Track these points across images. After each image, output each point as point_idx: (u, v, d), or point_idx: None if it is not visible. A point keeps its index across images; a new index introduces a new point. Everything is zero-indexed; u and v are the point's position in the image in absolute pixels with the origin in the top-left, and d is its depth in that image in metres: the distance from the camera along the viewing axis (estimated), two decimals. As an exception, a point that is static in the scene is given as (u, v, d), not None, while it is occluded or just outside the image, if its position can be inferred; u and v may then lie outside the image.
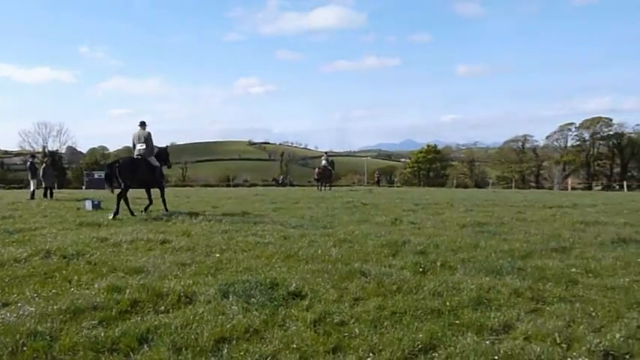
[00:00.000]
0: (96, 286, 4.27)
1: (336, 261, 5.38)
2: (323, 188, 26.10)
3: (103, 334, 3.15)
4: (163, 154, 11.42)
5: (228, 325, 3.33)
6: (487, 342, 3.04)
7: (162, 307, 3.74)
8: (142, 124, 10.91)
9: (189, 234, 7.42)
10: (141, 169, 10.44)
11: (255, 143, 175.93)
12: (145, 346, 3.00)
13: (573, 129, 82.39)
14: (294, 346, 2.99)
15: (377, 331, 3.23)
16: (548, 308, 3.74)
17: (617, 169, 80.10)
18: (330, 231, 7.84)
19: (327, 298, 3.95)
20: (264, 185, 53.60)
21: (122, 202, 10.04)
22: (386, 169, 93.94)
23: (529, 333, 3.19)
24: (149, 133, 10.86)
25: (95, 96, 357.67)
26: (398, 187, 58.71)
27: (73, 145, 75.93)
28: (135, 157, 10.73)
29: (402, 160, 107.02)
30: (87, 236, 7.02)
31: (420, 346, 2.95)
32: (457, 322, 3.40)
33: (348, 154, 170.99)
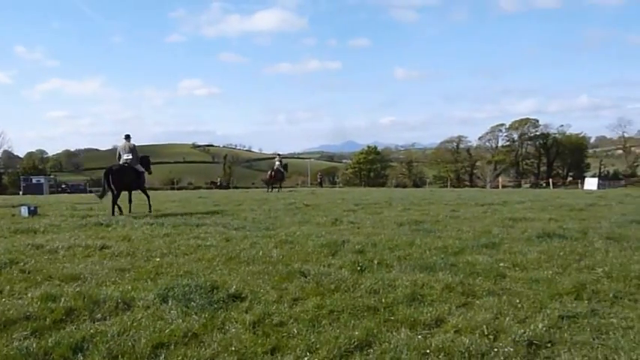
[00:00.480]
0: (29, 295, 4.07)
1: (277, 262, 5.41)
2: (272, 190, 26.55)
3: (35, 345, 3.00)
4: (145, 161, 12.82)
5: (166, 331, 3.27)
6: (420, 336, 3.17)
7: (99, 315, 3.62)
8: (127, 137, 12.32)
9: (130, 239, 7.20)
10: (128, 175, 11.79)
11: (199, 146, 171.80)
12: (80, 356, 2.90)
13: (503, 130, 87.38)
14: (233, 348, 2.98)
15: (315, 330, 3.29)
16: (477, 302, 3.96)
17: (543, 168, 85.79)
18: (271, 232, 7.86)
19: (266, 299, 3.96)
20: (207, 188, 52.41)
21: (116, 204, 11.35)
22: (328, 170, 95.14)
23: (459, 326, 3.36)
24: (134, 145, 12.28)
25: (32, 98, 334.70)
26: (340, 187, 59.56)
27: (10, 150, 71.52)
28: (123, 164, 11.95)
29: (344, 161, 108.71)
30: (21, 243, 6.68)
31: (355, 343, 3.04)
32: (392, 318, 3.53)
33: (292, 156, 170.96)
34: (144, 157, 12.84)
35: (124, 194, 11.81)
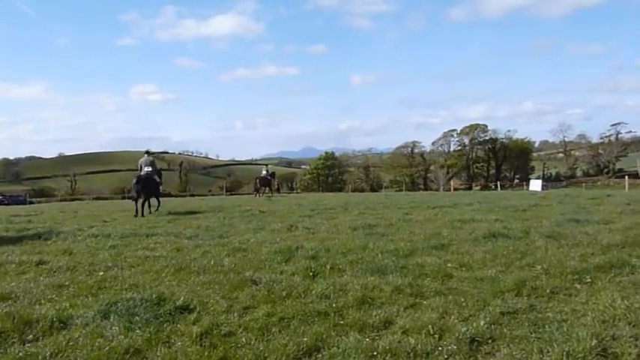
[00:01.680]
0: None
1: (229, 271, 5.33)
2: (260, 196, 28.09)
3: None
4: (159, 174, 15.64)
5: (106, 348, 3.15)
6: (368, 339, 3.22)
7: (31, 336, 3.42)
8: (148, 153, 15.67)
9: (71, 252, 6.86)
10: (151, 184, 14.39)
11: (152, 153, 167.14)
12: (7, 381, 2.73)
13: (455, 135, 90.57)
14: (178, 362, 2.91)
15: (264, 338, 3.27)
16: (425, 302, 4.06)
17: (492, 171, 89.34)
18: (225, 240, 7.73)
19: (216, 310, 3.90)
20: (162, 196, 50.88)
21: (140, 206, 13.53)
22: (287, 176, 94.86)
23: (407, 327, 3.44)
24: (154, 159, 15.54)
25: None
26: (298, 193, 59.50)
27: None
28: (146, 175, 14.54)
29: (303, 166, 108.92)
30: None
31: (304, 350, 3.04)
32: (342, 322, 3.56)
33: (250, 163, 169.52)
34: (159, 170, 15.86)
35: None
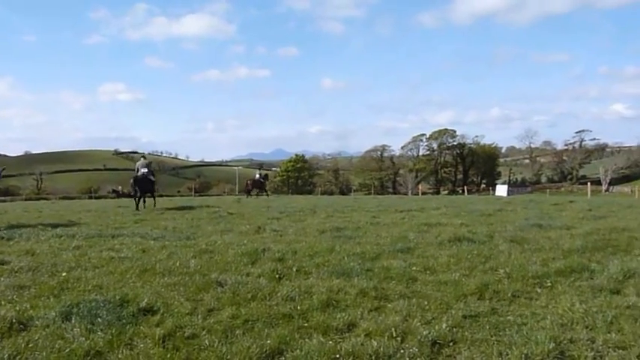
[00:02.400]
0: None
1: (195, 272, 5.26)
2: (255, 196, 29.89)
3: None
4: (153, 174, 18.13)
5: (66, 351, 3.07)
6: (331, 342, 3.23)
7: (-14, 339, 3.29)
8: (144, 157, 19.83)
9: (34, 253, 6.63)
10: (147, 182, 16.94)
11: (121, 153, 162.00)
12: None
13: (424, 140, 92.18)
14: (139, 365, 2.85)
15: (228, 340, 3.24)
16: (389, 305, 4.10)
17: (460, 176, 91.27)
18: (191, 242, 7.63)
19: (180, 312, 3.84)
20: (129, 196, 49.44)
21: (140, 202, 16.15)
22: (257, 178, 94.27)
23: (370, 330, 3.47)
24: (150, 162, 18.38)
25: None
26: (267, 195, 59.21)
27: None
28: (143, 175, 16.88)
29: (273, 169, 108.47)
30: None
31: (268, 352, 3.03)
32: (306, 325, 3.57)
33: (220, 164, 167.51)
34: (153, 171, 18.64)
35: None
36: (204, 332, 3.40)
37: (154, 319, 3.68)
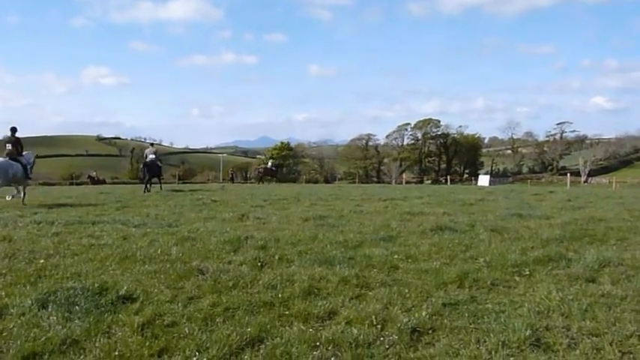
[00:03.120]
0: None
1: (176, 260, 5.21)
2: (266, 183, 32.07)
3: None
4: (160, 160, 20.66)
5: (42, 339, 3.02)
6: (312, 330, 3.24)
7: (-41, 327, 3.22)
8: (152, 144, 22.16)
9: (11, 239, 6.49)
10: (155, 167, 19.30)
11: (104, 138, 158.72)
12: None
13: (409, 129, 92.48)
14: (117, 353, 2.83)
15: (208, 328, 3.23)
16: (370, 293, 4.12)
17: (443, 165, 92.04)
18: (174, 229, 7.56)
19: (160, 300, 3.81)
20: (113, 183, 48.40)
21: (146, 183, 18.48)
22: (242, 166, 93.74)
23: (351, 317, 3.48)
24: (156, 149, 20.45)
25: None
26: (252, 183, 58.97)
27: None
28: (151, 161, 19.23)
29: (258, 156, 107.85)
30: None
31: (248, 340, 3.03)
32: (287, 312, 3.57)
33: (205, 151, 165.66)
34: (160, 157, 21.16)
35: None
36: (184, 320, 3.38)
37: (134, 307, 3.64)
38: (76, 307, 3.57)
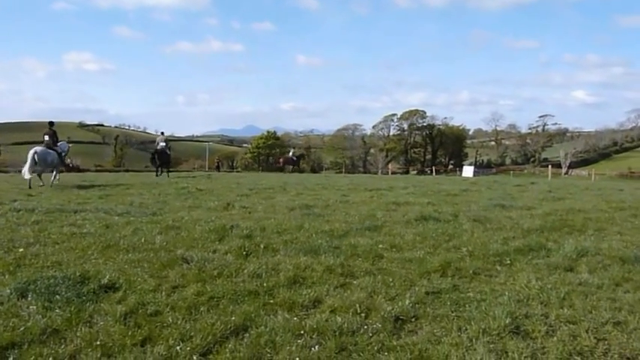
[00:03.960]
0: None
1: (160, 249, 5.18)
2: (289, 172, 33.56)
3: None
4: (169, 148, 23.17)
5: (21, 329, 2.98)
6: (296, 318, 3.26)
7: None
8: (162, 133, 24.43)
9: (-11, 227, 6.37)
10: (164, 155, 21.85)
11: (87, 125, 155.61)
12: None
13: (395, 120, 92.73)
14: (99, 342, 2.81)
15: (192, 317, 3.22)
16: (355, 282, 4.15)
17: (429, 156, 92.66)
18: (158, 218, 7.49)
19: (143, 289, 3.78)
20: (96, 171, 47.42)
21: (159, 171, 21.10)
22: (228, 155, 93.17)
23: (335, 306, 3.51)
24: (166, 138, 23.28)
25: None
26: (238, 172, 58.65)
27: None
28: (162, 149, 21.84)
29: (244, 145, 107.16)
30: None
31: (232, 329, 3.03)
32: (272, 301, 3.57)
33: (191, 139, 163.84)
34: (170, 146, 23.98)
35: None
36: (167, 309, 3.37)
37: (116, 296, 3.62)
38: (57, 297, 3.53)
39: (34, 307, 3.34)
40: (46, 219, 7.18)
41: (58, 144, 15.26)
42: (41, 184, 14.19)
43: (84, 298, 3.55)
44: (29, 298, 3.50)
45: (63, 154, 15.60)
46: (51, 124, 15.37)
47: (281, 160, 36.79)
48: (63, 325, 3.08)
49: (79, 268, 4.30)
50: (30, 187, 13.10)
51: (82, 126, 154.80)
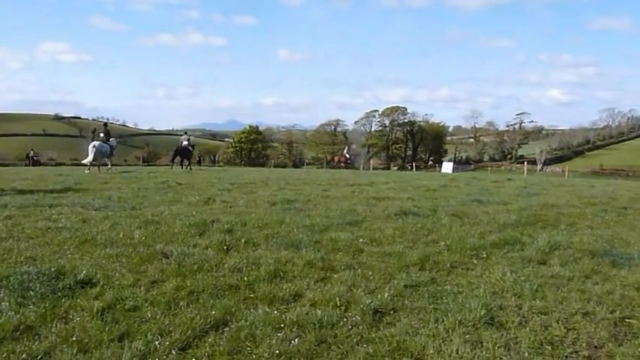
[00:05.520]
0: None
1: (139, 243, 5.11)
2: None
3: None
4: (192, 146, 26.15)
5: (-7, 326, 2.91)
6: (277, 312, 3.28)
7: None
8: (186, 133, 27.00)
9: (-41, 223, 6.19)
10: (187, 151, 24.48)
11: (63, 118, 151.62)
12: None
13: (377, 116, 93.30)
14: (75, 338, 2.78)
15: (171, 312, 3.21)
16: (335, 276, 4.19)
17: (409, 152, 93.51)
18: (137, 212, 7.38)
19: (121, 284, 3.74)
20: (73, 164, 46.40)
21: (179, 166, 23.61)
22: (210, 149, 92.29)
23: (316, 299, 3.54)
24: (189, 137, 25.61)
25: None
26: (220, 166, 58.20)
27: None
28: (184, 147, 24.31)
29: (226, 139, 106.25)
30: None
31: (212, 323, 3.03)
32: (252, 295, 3.58)
33: (170, 133, 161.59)
34: (193, 145, 27.25)
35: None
36: (146, 304, 3.34)
37: (93, 292, 3.57)
38: (31, 292, 3.47)
39: (7, 303, 3.28)
40: (19, 214, 7.01)
41: (110, 140, 20.22)
42: (107, 168, 19.87)
43: (59, 293, 3.49)
44: (1, 295, 3.43)
45: (113, 148, 20.54)
46: (105, 124, 21.76)
47: (340, 159, 38.35)
48: (37, 321, 3.03)
49: (54, 263, 4.22)
50: (89, 170, 17.96)
51: (57, 118, 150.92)
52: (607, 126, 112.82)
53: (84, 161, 19.52)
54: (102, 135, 19.75)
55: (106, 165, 20.23)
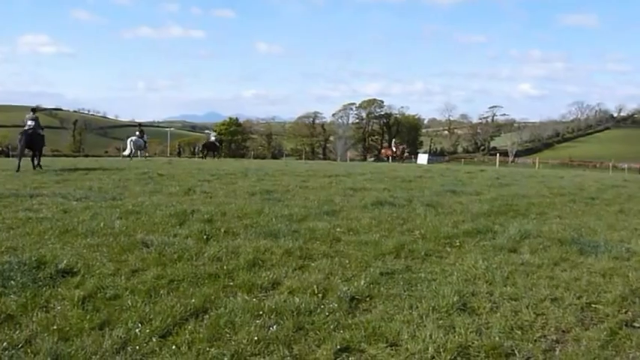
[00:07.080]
0: None
1: (119, 233, 5.11)
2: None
3: None
4: (220, 142, 37.76)
5: (-27, 315, 2.92)
6: (255, 300, 3.36)
7: None
8: (214, 130, 58.10)
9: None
10: (215, 146, 33.36)
11: (44, 109, 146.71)
12: None
13: (354, 108, 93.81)
14: (55, 327, 2.81)
15: (151, 300, 3.26)
16: (313, 264, 4.28)
17: (386, 144, 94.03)
18: (118, 202, 7.32)
19: (102, 273, 3.77)
20: (54, 155, 45.10)
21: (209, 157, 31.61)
22: (190, 141, 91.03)
23: (294, 287, 3.63)
24: (216, 132, 45.76)
25: None
26: (200, 157, 57.50)
27: None
28: (213, 141, 33.83)
29: (206, 131, 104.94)
30: None
31: (192, 310, 3.10)
32: (231, 284, 3.65)
33: (152, 125, 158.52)
34: (220, 139, 37.78)
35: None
36: (127, 293, 3.38)
37: (74, 281, 3.59)
38: (12, 282, 3.47)
39: (-13, 293, 3.28)
40: (-1, 204, 6.89)
41: (144, 136, 27.03)
42: (146, 156, 27.46)
43: (40, 283, 3.50)
44: (-19, 285, 3.42)
45: (146, 142, 28.03)
46: (139, 124, 29.87)
47: (387, 152, 38.90)
48: (18, 310, 3.05)
49: (35, 253, 4.19)
50: (131, 159, 22.78)
51: (38, 110, 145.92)
52: (576, 119, 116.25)
53: (124, 153, 26.51)
54: (138, 133, 26.51)
55: (141, 156, 26.52)
